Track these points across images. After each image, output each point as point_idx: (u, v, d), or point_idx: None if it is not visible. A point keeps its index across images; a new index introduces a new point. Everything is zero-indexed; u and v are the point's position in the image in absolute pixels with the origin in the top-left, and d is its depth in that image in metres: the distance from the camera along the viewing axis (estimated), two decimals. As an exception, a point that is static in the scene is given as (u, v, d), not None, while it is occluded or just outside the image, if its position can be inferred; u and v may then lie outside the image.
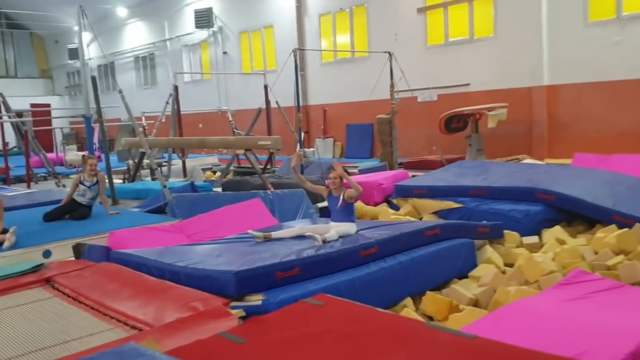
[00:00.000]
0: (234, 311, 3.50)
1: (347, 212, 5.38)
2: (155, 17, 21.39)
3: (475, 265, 5.46)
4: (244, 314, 3.52)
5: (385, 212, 7.80)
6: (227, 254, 4.61)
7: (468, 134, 11.26)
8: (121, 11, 22.55)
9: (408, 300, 4.58)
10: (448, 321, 4.24)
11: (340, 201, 5.37)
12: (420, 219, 7.66)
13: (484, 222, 6.44)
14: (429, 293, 4.53)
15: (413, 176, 9.63)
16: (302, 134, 15.84)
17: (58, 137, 26.43)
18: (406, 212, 7.74)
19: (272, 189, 7.39)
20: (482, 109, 10.60)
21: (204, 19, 18.36)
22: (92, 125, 19.24)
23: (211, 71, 18.83)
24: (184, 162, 11.37)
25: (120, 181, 11.82)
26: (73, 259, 5.23)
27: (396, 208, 8.12)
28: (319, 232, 5.13)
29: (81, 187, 6.55)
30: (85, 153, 16.31)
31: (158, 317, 3.51)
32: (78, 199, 6.55)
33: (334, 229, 5.05)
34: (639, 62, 10.07)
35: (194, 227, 5.98)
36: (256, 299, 3.76)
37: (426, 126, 12.39)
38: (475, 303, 4.71)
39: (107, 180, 6.73)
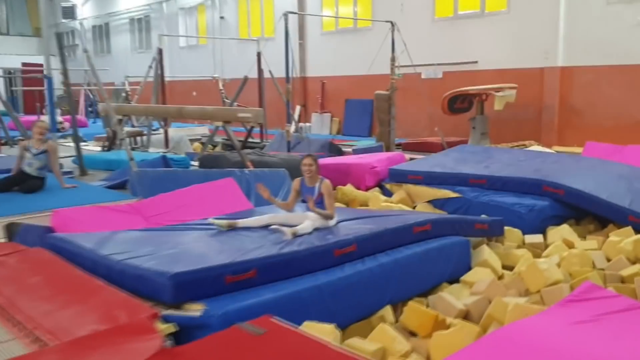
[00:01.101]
0: (163, 325, 2.82)
1: (323, 205, 4.61)
2: (152, -23, 20.43)
3: (469, 268, 4.77)
4: (174, 329, 2.85)
5: (376, 199, 7.10)
6: (177, 246, 3.91)
7: (472, 115, 10.47)
8: (118, -31, 21.58)
9: (387, 310, 3.90)
10: (432, 339, 3.56)
11: (316, 194, 4.61)
12: (414, 207, 6.97)
13: (483, 216, 5.75)
14: (411, 304, 3.84)
15: (410, 159, 8.90)
16: (298, 107, 15.13)
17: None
18: (399, 199, 7.04)
19: (251, 167, 6.67)
20: (489, 89, 9.80)
21: (201, -20, 17.42)
22: (83, 88, 18.46)
23: (208, 36, 17.93)
24: (166, 132, 10.61)
25: (100, 149, 11.13)
26: (4, 240, 4.55)
27: (389, 194, 7.42)
28: (292, 222, 4.43)
29: (27, 154, 5.83)
30: (62, 119, 15.61)
31: (71, 327, 2.85)
32: (25, 169, 5.84)
33: (309, 220, 4.33)
34: (664, 44, 9.22)
35: (153, 208, 5.28)
36: (195, 309, 3.08)
37: (429, 105, 11.62)
38: (466, 315, 4.04)
39: (58, 150, 6.01)
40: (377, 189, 7.68)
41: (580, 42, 10.20)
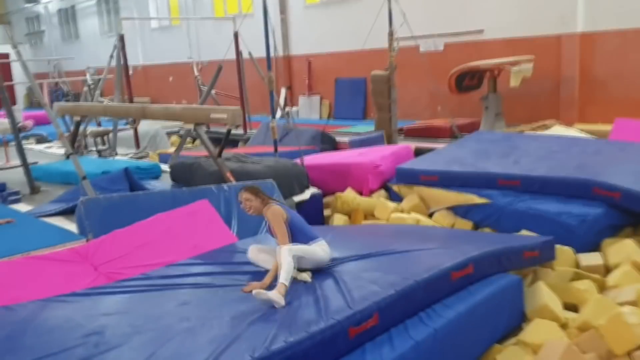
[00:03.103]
0: None
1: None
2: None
3: (523, 317, 3.63)
4: None
5: (383, 207, 5.94)
6: (99, 339, 2.71)
7: (483, 93, 9.23)
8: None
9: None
10: None
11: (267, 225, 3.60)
12: (430, 215, 5.82)
13: (524, 232, 4.65)
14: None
15: (416, 150, 7.70)
16: (284, 90, 13.79)
17: (21, 92, 24.08)
18: (411, 205, 5.89)
19: (232, 180, 5.43)
20: (503, 63, 8.54)
21: (170, -47, 15.85)
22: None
23: (181, 16, 16.43)
24: (135, 130, 9.29)
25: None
26: None
27: (396, 196, 6.26)
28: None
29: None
30: (23, 116, 14.15)
31: None
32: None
33: (284, 269, 3.12)
34: None
35: (104, 252, 4.04)
36: None
37: (429, 82, 10.36)
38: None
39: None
40: (382, 191, 6.51)
41: (603, 2, 8.91)
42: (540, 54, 9.31)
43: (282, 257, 3.16)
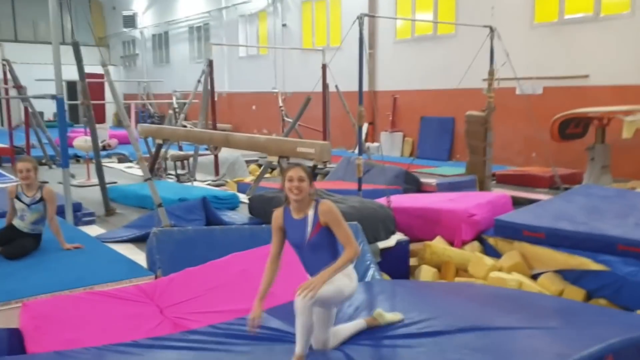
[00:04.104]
0: None
1: (330, 249, 2.80)
2: (212, -17, 19.32)
3: None
4: None
5: (479, 262, 5.29)
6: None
7: (588, 142, 8.40)
8: (177, -24, 20.67)
9: None
10: None
11: (310, 227, 2.78)
12: (533, 277, 5.11)
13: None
14: None
15: (513, 200, 6.95)
16: (366, 125, 13.40)
17: (111, 111, 25.12)
18: (512, 264, 5.22)
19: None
20: (615, 111, 7.72)
21: (262, -16, 16.07)
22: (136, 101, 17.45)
23: (269, 45, 16.53)
24: (216, 157, 9.12)
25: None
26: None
27: (492, 251, 5.60)
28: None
29: (18, 204, 4.38)
30: (108, 134, 14.48)
31: None
32: (17, 223, 4.38)
33: (299, 331, 2.72)
34: None
35: (173, 293, 3.67)
36: None
37: (525, 126, 9.66)
38: None
39: (56, 199, 4.50)
40: (476, 243, 5.85)
41: None
42: (656, 103, 8.39)
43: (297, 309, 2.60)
